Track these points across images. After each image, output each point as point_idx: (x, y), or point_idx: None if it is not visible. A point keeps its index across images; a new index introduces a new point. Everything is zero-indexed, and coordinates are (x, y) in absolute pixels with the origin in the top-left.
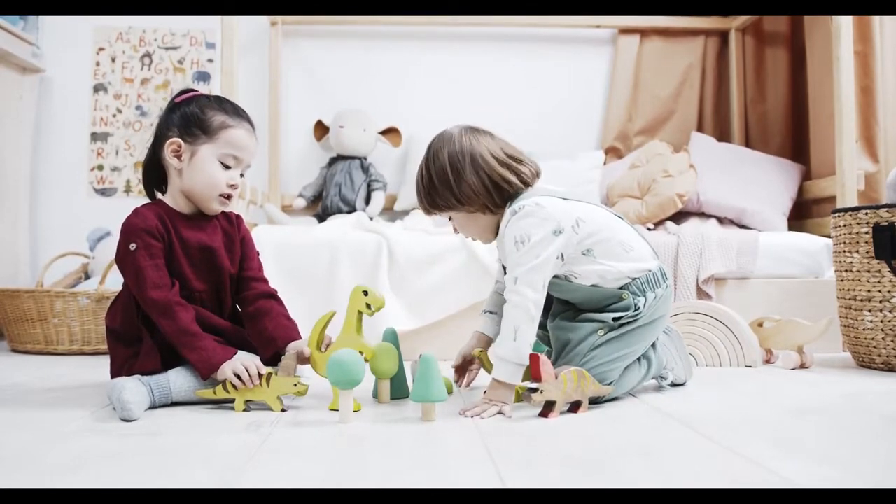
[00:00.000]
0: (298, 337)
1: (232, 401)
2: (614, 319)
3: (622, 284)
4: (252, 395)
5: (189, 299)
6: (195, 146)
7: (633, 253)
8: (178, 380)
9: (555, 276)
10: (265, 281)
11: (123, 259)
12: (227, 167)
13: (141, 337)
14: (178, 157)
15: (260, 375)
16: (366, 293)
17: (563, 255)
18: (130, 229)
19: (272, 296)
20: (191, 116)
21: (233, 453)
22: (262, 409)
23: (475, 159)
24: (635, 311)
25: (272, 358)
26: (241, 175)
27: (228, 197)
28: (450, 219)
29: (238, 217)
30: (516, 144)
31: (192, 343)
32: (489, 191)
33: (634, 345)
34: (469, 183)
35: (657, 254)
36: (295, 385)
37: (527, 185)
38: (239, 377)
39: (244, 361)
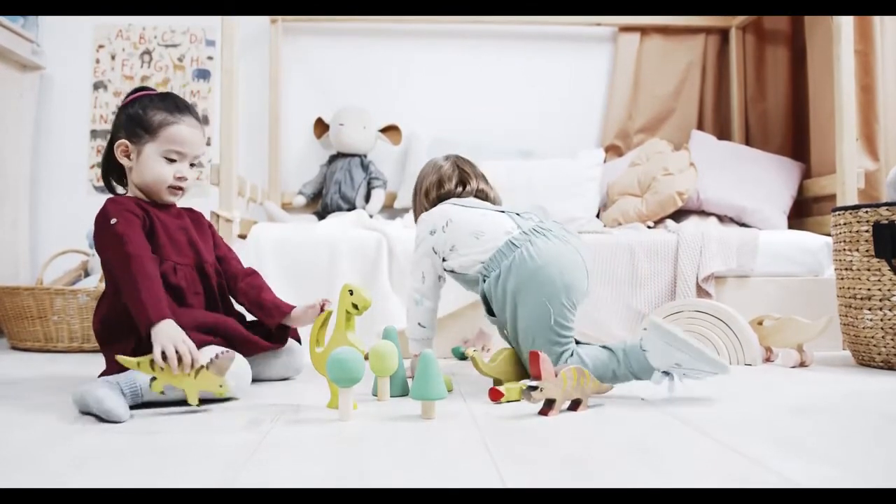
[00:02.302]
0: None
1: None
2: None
3: (478, 269)
4: (174, 381)
5: (172, 273)
6: (140, 146)
7: (484, 237)
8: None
9: (451, 271)
10: (240, 261)
11: (103, 234)
12: (171, 161)
13: (130, 331)
14: (128, 156)
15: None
16: (352, 292)
17: (436, 251)
18: (110, 208)
19: (255, 272)
20: (134, 117)
21: (232, 452)
22: (262, 406)
23: (419, 187)
24: (494, 283)
25: (280, 328)
26: (192, 165)
27: (178, 189)
28: None
29: (199, 212)
30: (513, 143)
31: (151, 287)
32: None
33: (538, 307)
34: (416, 200)
35: (536, 221)
36: (220, 386)
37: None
38: (165, 358)
39: (186, 341)
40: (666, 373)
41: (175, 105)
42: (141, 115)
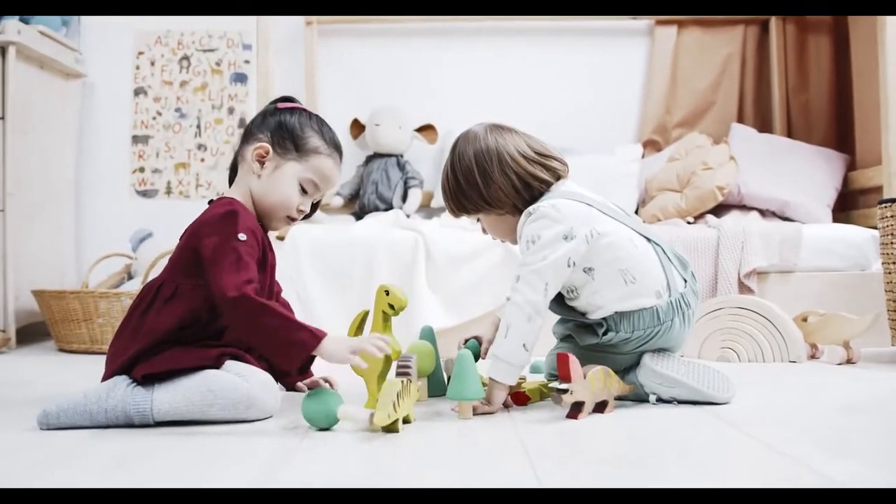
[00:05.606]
0: None
1: None
2: (587, 345)
3: (605, 315)
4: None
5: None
6: (282, 159)
7: (634, 286)
8: (164, 397)
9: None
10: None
11: (224, 243)
12: (304, 192)
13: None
14: (262, 163)
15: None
16: (388, 293)
17: (573, 262)
18: (242, 220)
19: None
20: (289, 127)
21: (269, 453)
22: (299, 407)
23: (502, 158)
24: (606, 339)
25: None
26: (317, 203)
27: (293, 220)
28: (478, 220)
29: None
30: (550, 140)
31: (297, 323)
32: (518, 190)
33: (597, 360)
34: (498, 183)
35: (685, 278)
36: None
37: (559, 177)
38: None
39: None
40: (661, 399)
41: (331, 137)
42: (297, 129)
